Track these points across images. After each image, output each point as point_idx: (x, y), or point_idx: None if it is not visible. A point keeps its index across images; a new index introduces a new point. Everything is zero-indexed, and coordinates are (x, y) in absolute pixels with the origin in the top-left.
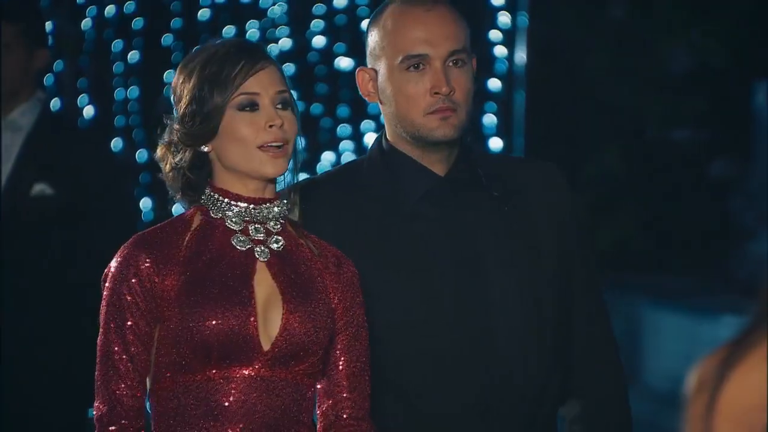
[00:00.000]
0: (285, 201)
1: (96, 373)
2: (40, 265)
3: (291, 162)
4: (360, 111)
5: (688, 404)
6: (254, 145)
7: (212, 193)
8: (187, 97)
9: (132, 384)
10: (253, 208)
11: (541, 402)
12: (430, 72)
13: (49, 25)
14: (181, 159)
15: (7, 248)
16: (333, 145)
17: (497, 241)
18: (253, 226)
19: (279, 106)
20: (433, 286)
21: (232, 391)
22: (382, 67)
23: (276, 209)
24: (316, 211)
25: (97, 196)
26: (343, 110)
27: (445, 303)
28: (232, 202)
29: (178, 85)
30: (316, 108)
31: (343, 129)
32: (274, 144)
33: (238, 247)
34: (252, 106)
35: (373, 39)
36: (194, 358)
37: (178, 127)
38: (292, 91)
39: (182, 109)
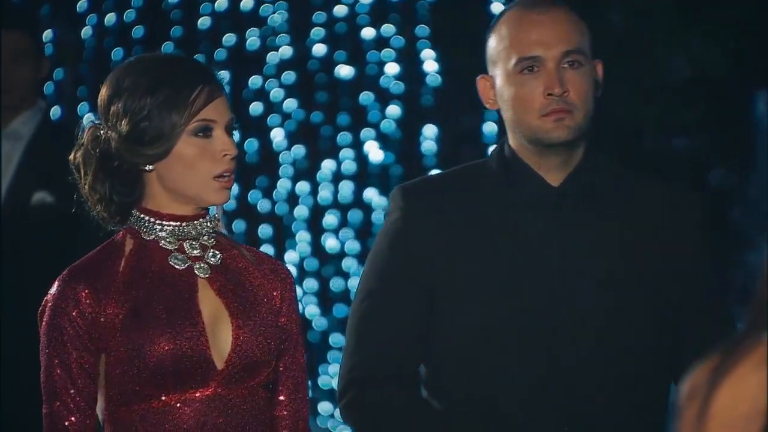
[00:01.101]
0: (214, 214)
1: (44, 411)
2: (42, 272)
3: None
4: (360, 119)
5: (680, 412)
6: (209, 175)
7: (141, 215)
8: (136, 113)
9: (83, 418)
10: (186, 225)
11: (628, 424)
12: (544, 74)
13: (49, 34)
14: (112, 172)
15: (8, 256)
16: (333, 153)
17: (597, 259)
18: (188, 243)
19: (229, 133)
20: (524, 297)
21: (191, 414)
22: (498, 73)
23: (208, 223)
24: (422, 209)
25: None
26: (343, 118)
27: (529, 316)
28: (164, 223)
29: (116, 96)
30: (317, 116)
31: (344, 137)
32: (226, 174)
33: (177, 267)
34: (206, 131)
35: (491, 46)
36: (148, 385)
37: (118, 139)
38: (293, 99)
39: (127, 125)
